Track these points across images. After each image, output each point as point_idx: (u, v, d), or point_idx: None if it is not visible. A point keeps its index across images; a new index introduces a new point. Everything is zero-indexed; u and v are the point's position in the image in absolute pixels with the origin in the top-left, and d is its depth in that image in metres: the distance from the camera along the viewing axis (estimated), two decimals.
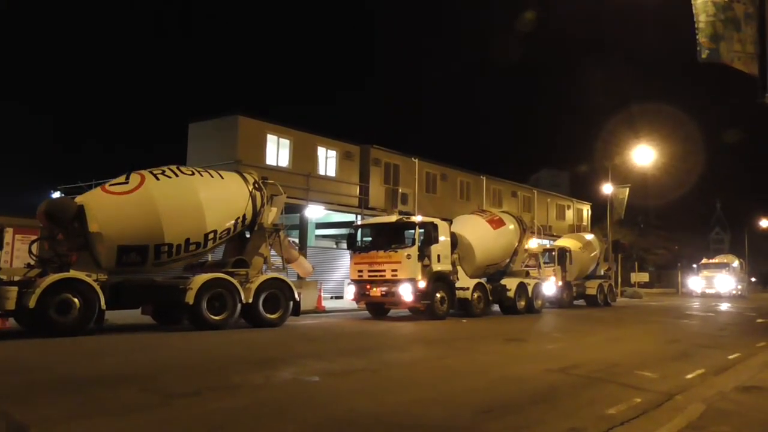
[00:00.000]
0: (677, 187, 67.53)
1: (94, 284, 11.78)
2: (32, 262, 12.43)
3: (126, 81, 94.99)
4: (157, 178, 13.22)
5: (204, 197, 13.62)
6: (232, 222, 14.30)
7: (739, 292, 47.57)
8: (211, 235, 13.80)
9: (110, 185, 13.16)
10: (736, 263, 49.41)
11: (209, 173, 14.27)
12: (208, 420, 5.56)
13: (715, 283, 46.72)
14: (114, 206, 12.65)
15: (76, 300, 11.46)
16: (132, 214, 12.67)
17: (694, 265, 51.58)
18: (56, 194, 26.95)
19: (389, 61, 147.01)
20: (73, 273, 11.74)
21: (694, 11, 9.10)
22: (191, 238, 13.42)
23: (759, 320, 20.74)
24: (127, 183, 13.01)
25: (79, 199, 12.89)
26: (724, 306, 32.01)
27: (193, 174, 13.91)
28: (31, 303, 10.88)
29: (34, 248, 12.68)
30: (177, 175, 13.56)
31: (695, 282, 49.28)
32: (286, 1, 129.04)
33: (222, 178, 14.49)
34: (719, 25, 9.00)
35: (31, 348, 10.22)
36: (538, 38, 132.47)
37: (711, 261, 50.47)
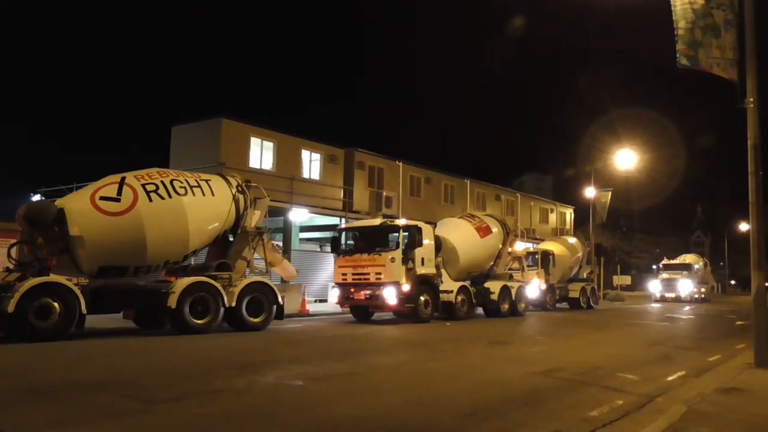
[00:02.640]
0: (659, 191, 68.48)
1: (75, 288, 11.64)
2: (11, 266, 12.25)
3: (110, 83, 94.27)
4: (150, 198, 12.81)
5: (192, 221, 13.49)
6: (214, 231, 14.31)
7: (702, 296, 43.73)
8: (191, 255, 14.22)
9: (101, 198, 12.51)
10: (698, 264, 45.05)
11: (201, 189, 13.86)
12: (191, 426, 5.52)
13: (675, 285, 42.08)
14: (104, 227, 12.37)
15: (56, 304, 11.31)
16: (120, 238, 12.52)
17: (654, 266, 47.82)
18: (36, 197, 26.63)
19: (373, 64, 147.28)
20: (53, 277, 11.61)
21: (674, 17, 9.20)
22: (171, 259, 13.71)
23: (738, 323, 20.98)
24: (119, 200, 12.54)
25: (59, 202, 12.72)
26: (704, 309, 32.32)
27: (185, 193, 13.44)
28: (10, 308, 10.72)
29: (14, 252, 12.49)
30: (170, 196, 13.13)
31: (654, 285, 44.68)
32: (272, 2, 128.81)
33: (213, 195, 14.11)
34: (698, 31, 9.10)
35: (10, 353, 10.06)
36: (522, 44, 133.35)
37: (672, 262, 45.38)
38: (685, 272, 42.56)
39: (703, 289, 44.17)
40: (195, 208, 13.58)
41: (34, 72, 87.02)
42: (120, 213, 12.48)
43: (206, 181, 14.26)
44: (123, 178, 12.95)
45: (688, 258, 46.22)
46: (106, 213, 12.40)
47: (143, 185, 12.92)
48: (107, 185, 12.85)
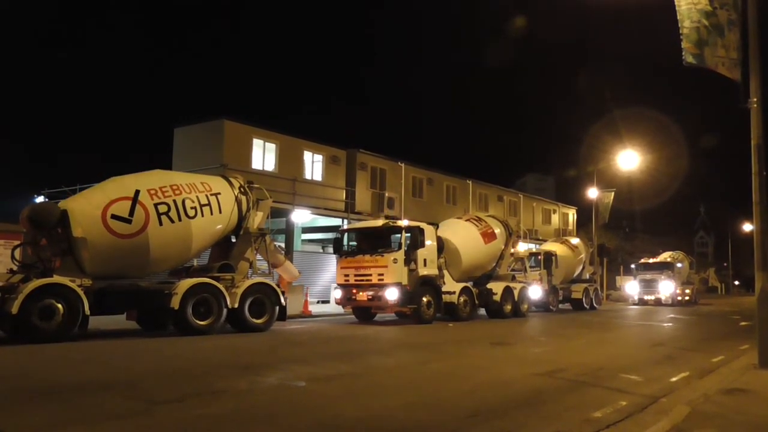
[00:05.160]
0: (662, 192, 68.43)
1: (78, 289, 11.65)
2: (15, 268, 12.28)
3: (113, 84, 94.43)
4: (161, 222, 12.77)
5: (197, 240, 13.62)
6: (217, 235, 14.38)
7: (687, 297, 39.49)
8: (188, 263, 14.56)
9: (112, 217, 12.32)
10: (681, 263, 40.49)
11: (210, 207, 13.78)
12: (193, 427, 5.51)
13: (654, 287, 37.44)
14: (110, 247, 12.39)
15: (59, 305, 11.32)
16: (126, 257, 12.67)
17: (632, 266, 41.71)
18: (40, 199, 26.68)
19: (375, 65, 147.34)
20: (56, 278, 11.61)
21: (678, 17, 9.18)
22: (170, 269, 14.19)
23: (742, 323, 20.92)
24: (130, 222, 12.43)
25: (63, 204, 12.71)
26: (705, 310, 32.16)
27: (195, 215, 13.39)
28: (14, 309, 10.73)
29: (17, 253, 12.54)
30: (180, 219, 13.08)
31: (632, 286, 39.70)
32: (274, 3, 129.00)
33: (221, 212, 14.06)
34: (703, 30, 9.08)
35: (13, 354, 10.08)
36: (525, 44, 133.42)
37: (651, 260, 40.91)
38: (665, 272, 38.09)
39: (687, 291, 40.21)
40: (202, 229, 13.69)
41: (38, 73, 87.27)
42: (129, 236, 12.47)
43: (216, 195, 14.07)
44: (137, 194, 12.63)
45: (669, 256, 42.03)
46: (115, 234, 12.36)
47: (156, 205, 12.78)
48: (120, 200, 12.52)
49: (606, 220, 41.40)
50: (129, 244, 12.52)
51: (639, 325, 20.65)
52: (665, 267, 38.67)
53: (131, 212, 12.52)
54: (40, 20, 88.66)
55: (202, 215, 13.61)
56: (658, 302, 36.84)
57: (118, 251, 12.48)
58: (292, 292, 19.06)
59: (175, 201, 13.14)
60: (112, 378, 7.85)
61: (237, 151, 23.52)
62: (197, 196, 13.64)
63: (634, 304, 37.35)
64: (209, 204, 13.84)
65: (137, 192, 12.70)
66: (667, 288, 37.37)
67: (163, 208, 12.89)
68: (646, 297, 37.56)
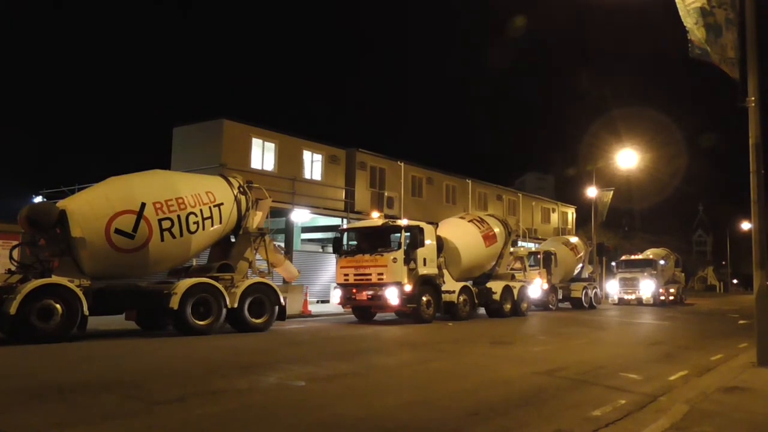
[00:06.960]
0: (661, 190, 68.55)
1: (77, 290, 11.63)
2: (13, 268, 12.26)
3: (112, 84, 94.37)
4: (162, 238, 12.74)
5: (195, 248, 13.76)
6: (216, 235, 14.37)
7: (671, 297, 37.13)
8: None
9: (116, 232, 12.22)
10: (665, 261, 37.87)
11: (212, 220, 13.75)
12: (193, 427, 5.51)
13: (635, 285, 35.11)
14: (114, 260, 12.47)
15: (58, 306, 11.31)
16: (126, 267, 12.83)
17: (613, 263, 39.50)
18: (38, 199, 26.67)
19: (374, 64, 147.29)
20: (55, 279, 11.60)
21: (680, 13, 9.21)
22: (167, 269, 14.33)
23: (741, 322, 20.94)
24: (133, 237, 12.38)
25: (61, 204, 12.66)
26: (705, 309, 32.12)
27: (197, 230, 13.35)
28: (12, 309, 10.72)
29: (16, 254, 12.52)
30: (182, 234, 13.06)
31: (612, 285, 37.25)
32: (275, 3, 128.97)
33: (221, 222, 14.04)
34: (703, 29, 9.11)
35: (12, 355, 10.06)
36: (524, 42, 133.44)
37: (632, 257, 38.27)
38: (647, 270, 35.64)
39: (672, 290, 37.72)
40: (201, 239, 13.75)
41: (37, 72, 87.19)
42: (130, 251, 12.49)
43: (219, 206, 14.00)
44: (143, 208, 12.49)
45: (652, 252, 39.41)
46: (116, 249, 12.36)
47: (160, 221, 12.71)
48: (125, 213, 12.38)
49: (604, 219, 41.39)
50: (128, 257, 12.60)
51: (638, 324, 20.67)
52: (647, 264, 36.33)
53: (135, 228, 12.44)
54: (39, 17, 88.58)
55: (203, 229, 13.63)
56: (639, 302, 34.79)
57: (117, 263, 12.61)
58: (292, 291, 19.08)
59: (179, 216, 13.06)
60: (112, 378, 7.84)
61: (236, 151, 23.52)
62: (201, 209, 13.54)
63: (614, 304, 35.21)
64: (211, 217, 13.81)
65: (143, 206, 12.55)
66: (647, 287, 35.10)
67: (166, 224, 12.83)
68: (626, 296, 35.45)
